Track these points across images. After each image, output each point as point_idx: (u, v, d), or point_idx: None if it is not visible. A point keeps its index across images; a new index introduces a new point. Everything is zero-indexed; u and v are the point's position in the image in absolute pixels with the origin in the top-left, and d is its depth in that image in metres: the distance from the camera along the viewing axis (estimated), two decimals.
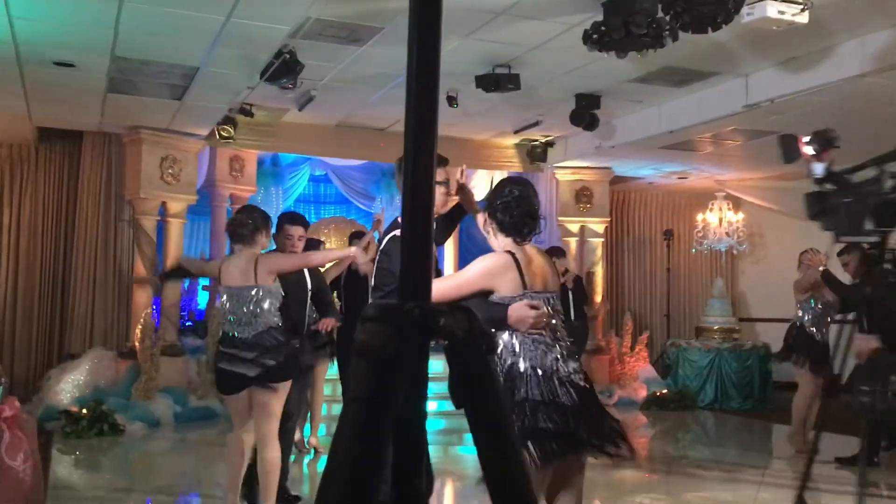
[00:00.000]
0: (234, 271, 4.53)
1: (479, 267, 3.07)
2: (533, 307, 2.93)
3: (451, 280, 3.22)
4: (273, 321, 4.46)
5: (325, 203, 12.74)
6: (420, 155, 0.84)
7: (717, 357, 10.29)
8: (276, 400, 4.43)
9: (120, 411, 7.87)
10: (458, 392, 0.87)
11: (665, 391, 10.11)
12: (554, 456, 2.83)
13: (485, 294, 3.03)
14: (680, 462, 4.46)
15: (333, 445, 0.87)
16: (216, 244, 10.31)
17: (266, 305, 4.45)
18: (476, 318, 0.85)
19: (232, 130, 8.98)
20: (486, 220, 3.20)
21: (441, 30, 0.88)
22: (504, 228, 3.13)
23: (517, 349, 2.94)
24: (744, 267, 12.72)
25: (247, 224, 4.59)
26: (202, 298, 10.37)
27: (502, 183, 3.30)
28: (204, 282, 10.29)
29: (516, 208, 3.10)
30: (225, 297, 4.53)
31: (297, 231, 5.13)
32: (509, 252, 3.07)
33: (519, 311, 2.93)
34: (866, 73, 6.21)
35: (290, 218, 5.31)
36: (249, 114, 8.59)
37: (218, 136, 8.99)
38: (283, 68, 6.56)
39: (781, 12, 4.40)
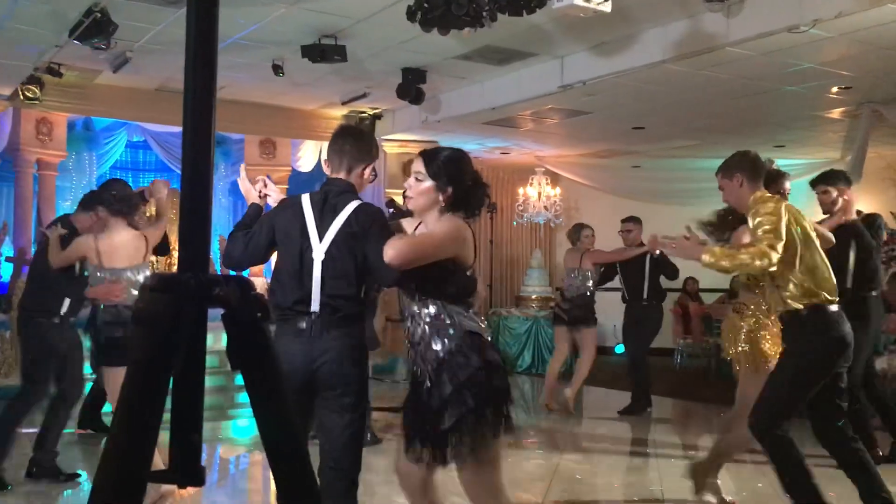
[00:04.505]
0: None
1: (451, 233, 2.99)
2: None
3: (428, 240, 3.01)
4: None
5: (144, 171, 12.14)
6: (198, 130, 0.89)
7: (534, 324, 10.85)
8: None
9: None
10: (235, 356, 0.94)
11: None
12: (508, 419, 2.81)
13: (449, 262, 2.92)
14: None
15: (116, 407, 0.92)
16: (21, 211, 9.63)
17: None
18: (250, 287, 0.93)
19: (38, 91, 8.40)
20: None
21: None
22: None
23: (467, 314, 2.93)
24: (560, 239, 13.36)
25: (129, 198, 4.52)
26: (5, 270, 9.66)
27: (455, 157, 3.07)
28: (7, 252, 9.59)
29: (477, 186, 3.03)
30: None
31: None
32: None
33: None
34: (666, 60, 6.71)
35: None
36: (58, 74, 8.04)
37: (22, 97, 8.37)
38: (94, 27, 6.22)
39: (587, 0, 4.69)
